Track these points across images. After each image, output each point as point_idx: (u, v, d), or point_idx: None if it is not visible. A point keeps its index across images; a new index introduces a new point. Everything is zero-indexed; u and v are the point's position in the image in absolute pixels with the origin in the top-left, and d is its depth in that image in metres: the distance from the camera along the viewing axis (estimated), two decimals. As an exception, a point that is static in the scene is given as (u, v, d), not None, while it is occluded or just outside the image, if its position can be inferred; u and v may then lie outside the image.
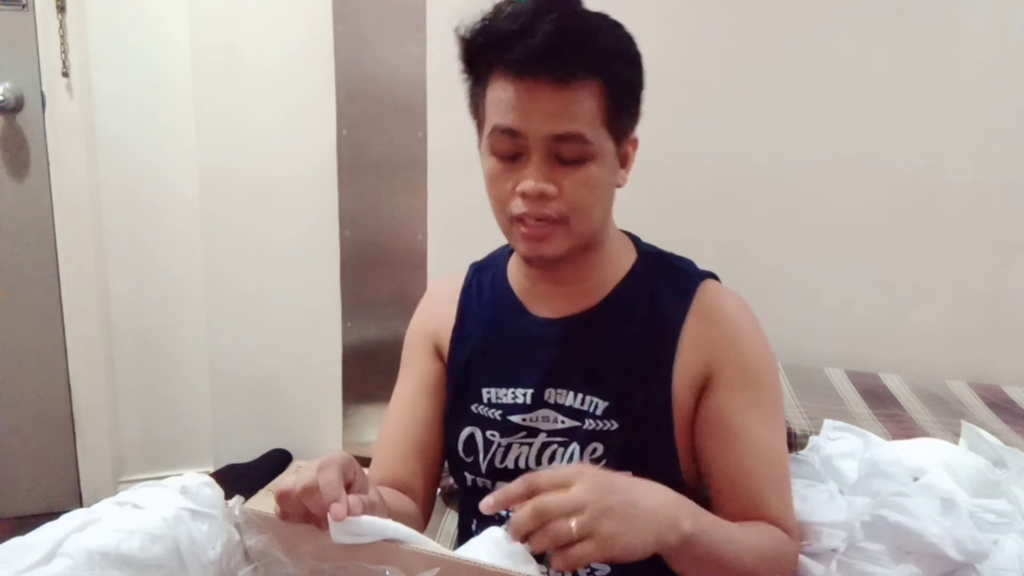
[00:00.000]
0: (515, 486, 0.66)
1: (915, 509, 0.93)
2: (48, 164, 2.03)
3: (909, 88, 1.73)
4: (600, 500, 0.65)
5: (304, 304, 2.15)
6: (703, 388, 0.90)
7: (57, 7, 1.94)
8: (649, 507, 0.69)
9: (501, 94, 0.81)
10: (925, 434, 1.33)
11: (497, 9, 0.81)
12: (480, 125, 0.87)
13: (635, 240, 0.99)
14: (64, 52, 1.96)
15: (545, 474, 0.67)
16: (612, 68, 0.81)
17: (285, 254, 2.13)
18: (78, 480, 2.18)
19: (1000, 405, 1.55)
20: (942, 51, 1.71)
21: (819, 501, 0.95)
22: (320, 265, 2.10)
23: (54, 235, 2.05)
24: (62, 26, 1.95)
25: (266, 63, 2.03)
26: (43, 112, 2.00)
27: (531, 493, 0.65)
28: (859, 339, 1.80)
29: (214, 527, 0.70)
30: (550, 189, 0.81)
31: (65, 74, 1.97)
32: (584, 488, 0.65)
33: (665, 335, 0.91)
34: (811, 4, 1.75)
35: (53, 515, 0.70)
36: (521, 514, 0.64)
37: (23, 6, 1.95)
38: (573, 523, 0.63)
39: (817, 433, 1.18)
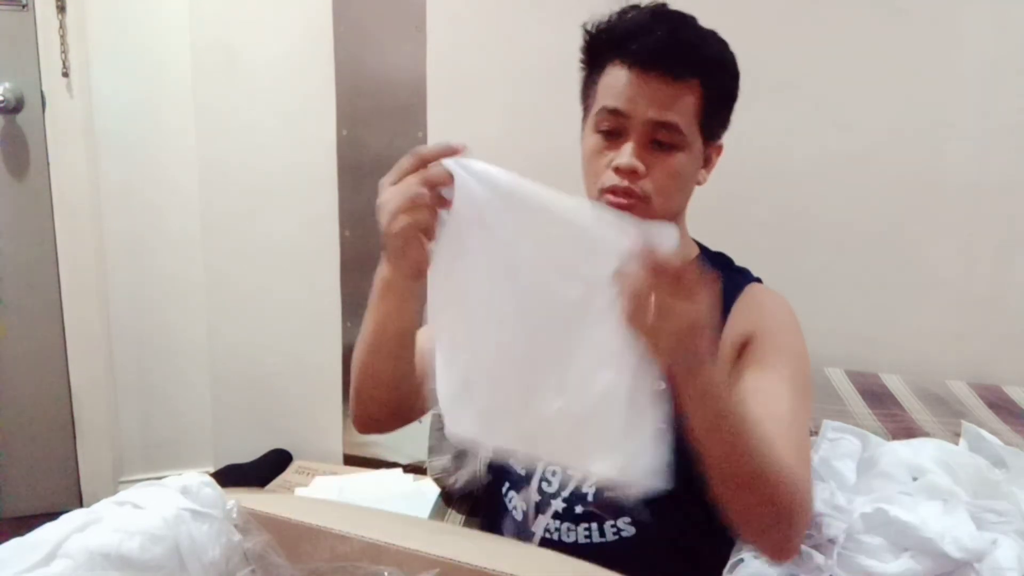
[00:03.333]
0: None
1: (915, 508, 0.93)
2: (48, 164, 2.03)
3: (909, 88, 1.73)
4: (689, 328, 0.69)
5: (304, 304, 2.15)
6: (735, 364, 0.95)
7: (57, 7, 1.94)
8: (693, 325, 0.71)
9: (615, 80, 0.92)
10: (925, 434, 1.33)
11: (623, 11, 0.94)
12: (588, 108, 0.98)
13: (700, 245, 1.08)
14: (64, 52, 1.96)
15: (676, 266, 0.69)
16: (714, 74, 0.94)
17: (285, 254, 2.13)
18: (78, 480, 2.18)
19: (1000, 405, 1.55)
20: (942, 51, 1.71)
21: (818, 501, 0.96)
22: (320, 265, 2.10)
23: (54, 235, 2.06)
24: (62, 26, 1.95)
25: (266, 63, 2.03)
26: (43, 112, 2.00)
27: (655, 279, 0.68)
28: (859, 339, 1.80)
29: (215, 528, 0.70)
30: (640, 167, 0.90)
31: (65, 74, 1.97)
32: (692, 307, 0.69)
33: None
34: (811, 4, 1.75)
35: (53, 515, 0.69)
36: (636, 283, 0.68)
37: (23, 6, 1.95)
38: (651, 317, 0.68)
39: (816, 433, 1.18)
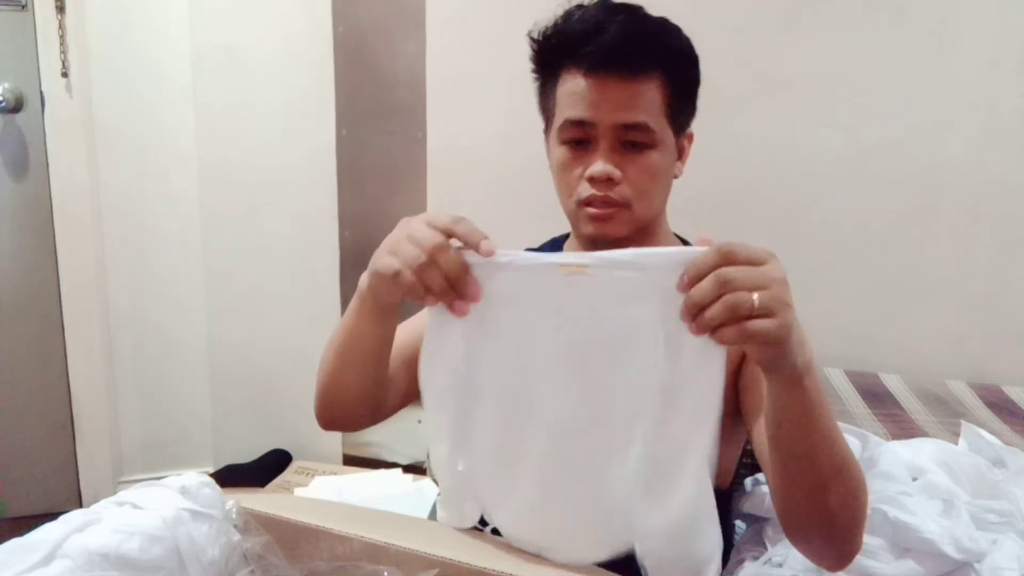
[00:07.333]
0: (707, 255, 0.64)
1: (915, 508, 0.93)
2: (48, 164, 2.03)
3: (909, 88, 1.73)
4: (785, 285, 0.63)
5: (304, 304, 2.14)
6: (740, 363, 0.91)
7: (57, 7, 1.94)
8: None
9: (573, 88, 0.88)
10: (925, 434, 1.33)
11: (568, 13, 0.89)
12: (549, 119, 0.94)
13: (681, 239, 1.05)
14: (64, 52, 1.96)
15: (741, 245, 0.64)
16: (675, 64, 0.89)
17: (285, 254, 2.13)
18: (78, 480, 2.18)
19: (1000, 405, 1.55)
20: (942, 51, 1.71)
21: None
22: (320, 265, 2.10)
23: (54, 235, 2.05)
24: (62, 26, 1.95)
25: (266, 63, 2.03)
26: (43, 112, 2.00)
27: (723, 262, 0.63)
28: (859, 339, 1.80)
29: (214, 528, 0.70)
30: (616, 173, 0.87)
31: (65, 74, 1.97)
32: (776, 268, 0.64)
33: None
34: (811, 4, 1.75)
35: (53, 515, 0.69)
36: (704, 284, 0.63)
37: (23, 6, 1.94)
38: (756, 296, 0.61)
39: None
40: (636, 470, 0.71)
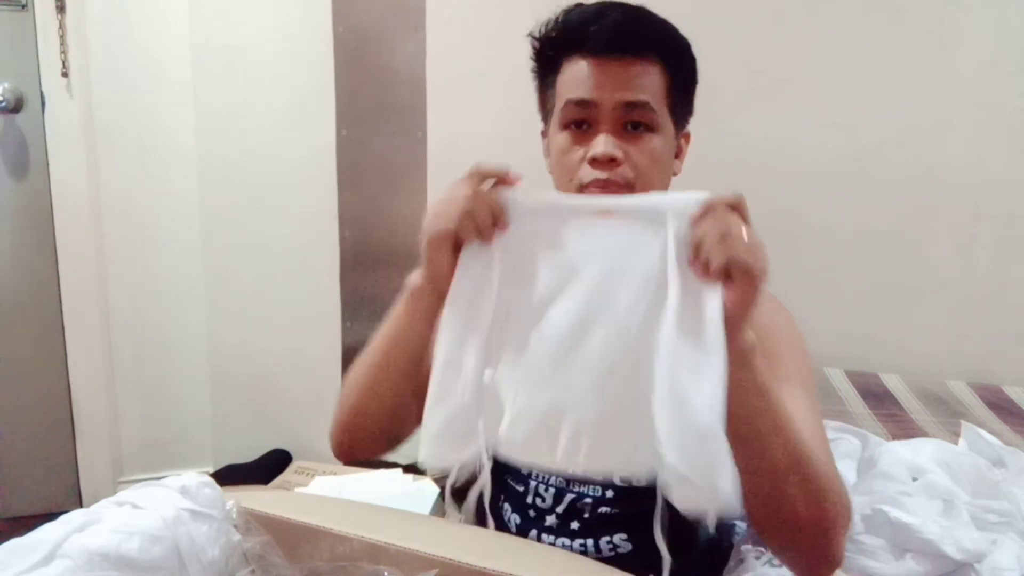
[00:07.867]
0: (722, 198, 0.76)
1: (915, 508, 0.93)
2: (48, 164, 2.03)
3: (908, 88, 1.73)
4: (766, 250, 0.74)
5: (304, 304, 2.15)
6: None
7: (57, 7, 1.94)
8: None
9: (574, 73, 0.89)
10: (925, 434, 1.33)
11: (567, 10, 0.91)
12: (548, 113, 0.95)
13: None
14: (64, 52, 1.96)
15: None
16: (674, 54, 0.91)
17: (285, 254, 2.13)
18: (78, 480, 2.18)
19: (1000, 405, 1.55)
20: (942, 51, 1.71)
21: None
22: (320, 265, 2.10)
23: (54, 235, 2.05)
24: (62, 26, 1.95)
25: (266, 63, 2.03)
26: (43, 112, 2.00)
27: (730, 207, 0.76)
28: (859, 339, 1.80)
29: (214, 528, 0.70)
30: (619, 153, 0.87)
31: (65, 74, 1.97)
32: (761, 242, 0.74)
33: None
34: (810, 4, 1.75)
35: (53, 515, 0.69)
36: (708, 219, 0.74)
37: (23, 6, 1.95)
38: (745, 231, 0.73)
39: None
40: (652, 379, 0.73)
